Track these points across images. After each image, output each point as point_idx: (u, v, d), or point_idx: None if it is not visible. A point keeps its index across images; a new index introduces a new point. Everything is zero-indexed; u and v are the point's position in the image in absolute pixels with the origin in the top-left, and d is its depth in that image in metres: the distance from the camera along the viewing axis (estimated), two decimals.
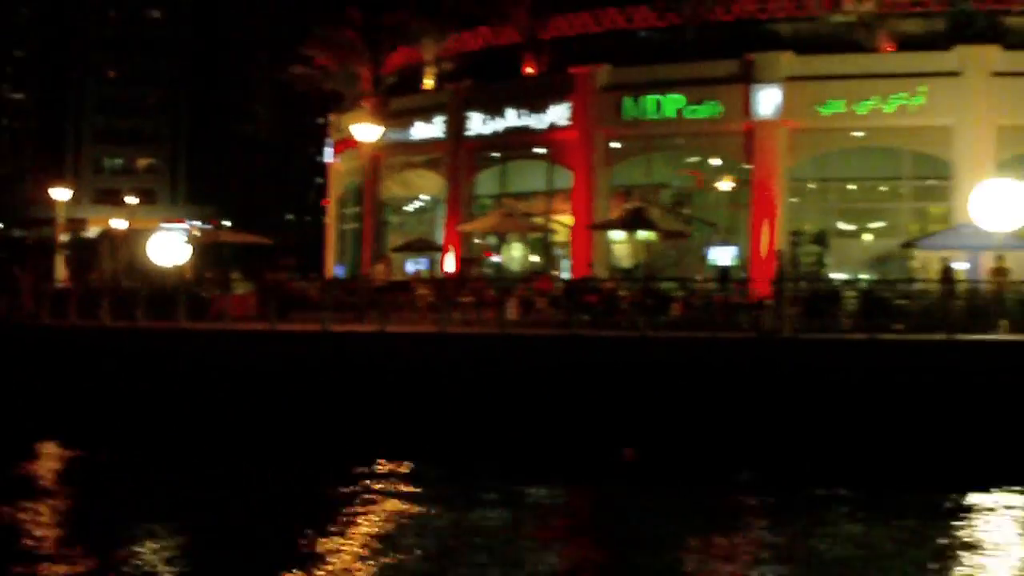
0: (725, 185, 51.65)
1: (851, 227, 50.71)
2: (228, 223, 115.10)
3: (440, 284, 49.82)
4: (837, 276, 47.52)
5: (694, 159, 52.98)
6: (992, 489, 30.22)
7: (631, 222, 45.80)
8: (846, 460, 32.48)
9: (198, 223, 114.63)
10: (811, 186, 50.85)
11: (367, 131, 50.14)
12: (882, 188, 50.21)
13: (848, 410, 33.27)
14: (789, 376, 34.15)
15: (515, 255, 58.32)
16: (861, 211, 50.91)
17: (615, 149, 52.78)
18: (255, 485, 32.07)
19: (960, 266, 43.47)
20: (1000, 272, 39.56)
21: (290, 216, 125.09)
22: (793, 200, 50.37)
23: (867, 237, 50.66)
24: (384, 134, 60.91)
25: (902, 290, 40.81)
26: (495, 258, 58.20)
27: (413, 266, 60.46)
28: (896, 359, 34.06)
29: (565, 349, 37.03)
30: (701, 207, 52.82)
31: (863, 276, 47.44)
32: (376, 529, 26.88)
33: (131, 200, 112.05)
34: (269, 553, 24.86)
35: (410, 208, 63.70)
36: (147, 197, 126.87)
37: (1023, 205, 41.48)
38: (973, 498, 29.47)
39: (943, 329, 34.93)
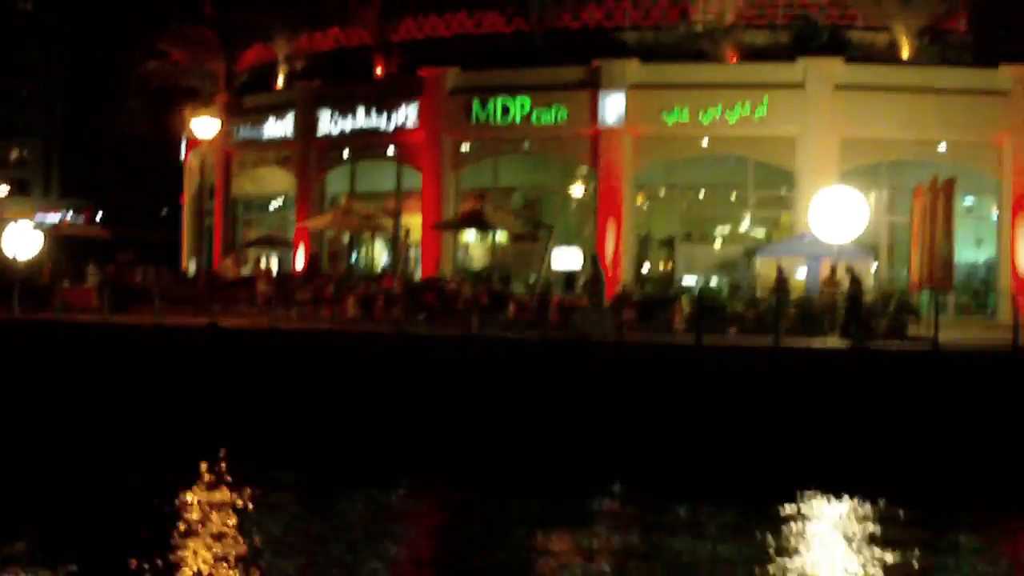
0: (578, 190, 51.68)
1: (698, 233, 50.92)
2: (100, 215, 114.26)
3: (281, 281, 49.52)
4: (688, 282, 48.07)
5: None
6: (809, 493, 30.38)
7: (467, 222, 45.68)
8: (663, 463, 32.56)
9: (70, 215, 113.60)
10: (659, 193, 51.10)
11: (205, 127, 49.59)
12: (728, 196, 50.40)
13: (668, 413, 33.32)
14: (609, 379, 34.18)
15: (374, 254, 58.10)
16: (708, 218, 51.19)
17: (463, 152, 52.52)
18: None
19: (802, 274, 43.97)
20: (832, 282, 39.93)
21: (166, 210, 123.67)
22: (641, 206, 50.55)
23: (714, 244, 50.91)
24: (237, 131, 60.68)
25: (740, 296, 41.13)
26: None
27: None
28: (717, 364, 34.26)
29: (391, 346, 36.98)
30: (552, 211, 52.73)
31: (713, 281, 48.00)
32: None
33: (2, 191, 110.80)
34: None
35: (264, 205, 62.93)
36: (20, 188, 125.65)
37: (860, 215, 42.03)
38: (792, 504, 29.47)
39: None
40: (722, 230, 50.60)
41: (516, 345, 36.18)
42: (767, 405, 33.04)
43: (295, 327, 40.36)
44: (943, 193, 39.62)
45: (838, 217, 41.53)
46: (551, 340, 36.09)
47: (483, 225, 45.78)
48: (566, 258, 49.83)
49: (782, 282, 39.68)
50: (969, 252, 49.48)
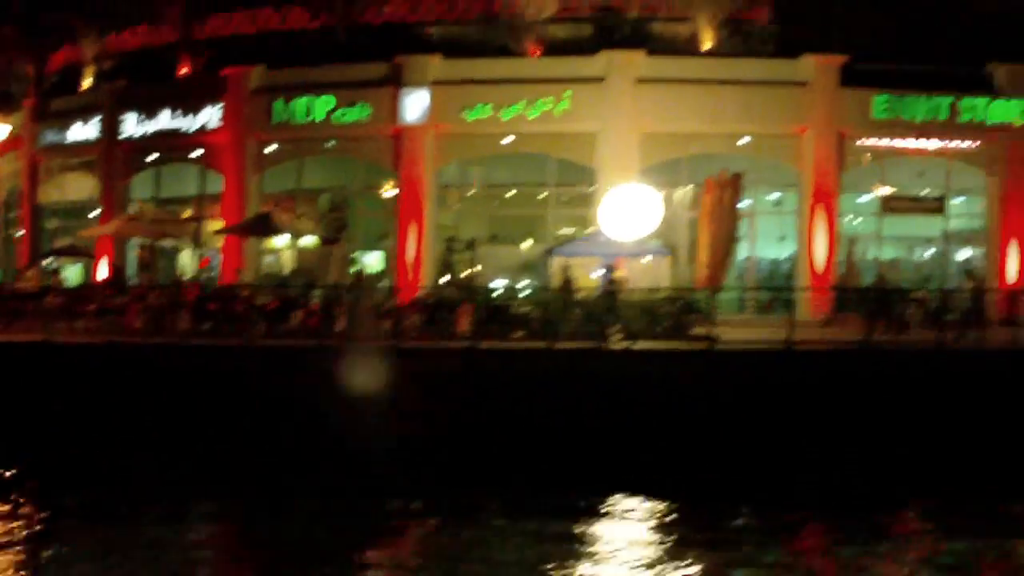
0: (390, 192, 50.49)
1: (503, 234, 49.99)
2: None
3: (77, 292, 47.85)
4: (496, 285, 47.02)
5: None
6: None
7: (254, 228, 44.36)
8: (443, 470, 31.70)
9: None
10: (463, 192, 50.08)
11: None
12: (531, 194, 49.43)
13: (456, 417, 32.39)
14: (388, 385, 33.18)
15: (186, 262, 56.36)
16: (513, 217, 50.25)
17: (267, 153, 51.14)
18: None
19: (598, 273, 43.29)
20: (616, 281, 39.19)
21: None
22: (445, 206, 49.53)
23: (518, 244, 49.98)
24: (44, 136, 58.80)
25: (529, 298, 40.29)
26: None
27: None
28: (496, 365, 33.43)
29: (167, 357, 35.76)
30: (360, 213, 51.48)
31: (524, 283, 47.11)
32: None
33: None
34: None
35: (73, 213, 60.96)
36: None
37: (652, 212, 41.42)
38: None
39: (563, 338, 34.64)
40: (529, 230, 49.57)
41: (288, 353, 35.07)
42: (534, 407, 32.23)
43: (75, 340, 38.83)
44: (730, 187, 39.04)
45: (629, 215, 41.00)
46: (321, 347, 34.96)
47: (272, 230, 44.48)
48: (371, 262, 48.74)
49: (566, 282, 38.83)
50: (773, 248, 49.10)
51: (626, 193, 41.38)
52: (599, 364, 33.96)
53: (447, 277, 47.27)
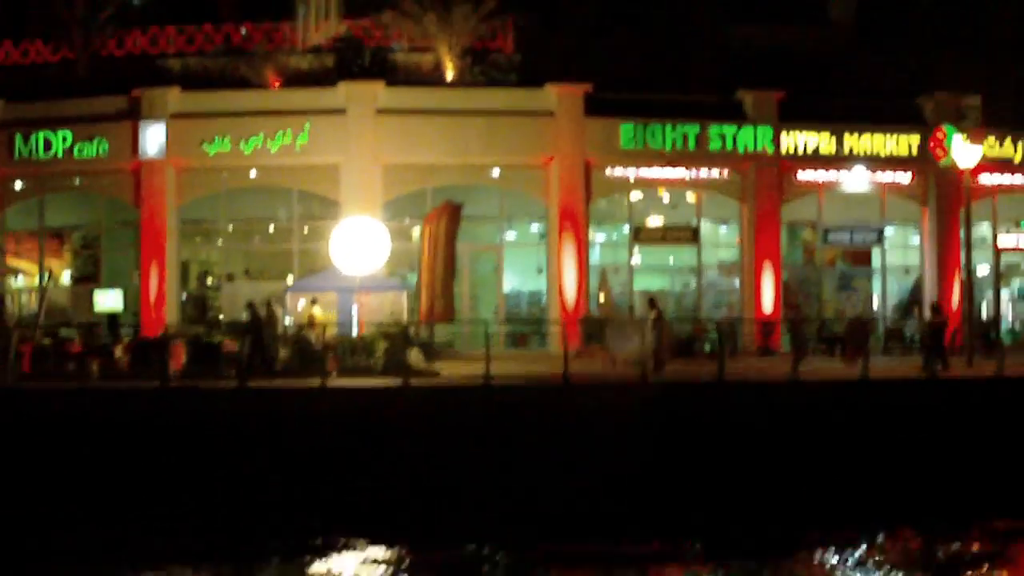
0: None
1: (256, 268, 48.66)
2: None
3: None
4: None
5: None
6: None
7: None
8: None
9: None
10: (206, 227, 48.67)
11: None
12: (282, 228, 48.21)
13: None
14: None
15: None
16: (265, 253, 48.94)
17: (12, 189, 49.32)
18: None
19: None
20: (312, 318, 38.24)
21: None
22: (188, 242, 48.16)
23: (275, 279, 48.58)
24: None
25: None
26: None
27: None
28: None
29: None
30: (112, 249, 49.77)
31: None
32: None
33: None
34: None
35: None
36: None
37: (380, 246, 40.47)
38: None
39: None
40: (282, 265, 48.22)
41: None
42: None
43: None
44: (446, 218, 38.21)
45: (358, 249, 40.00)
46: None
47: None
48: (108, 300, 47.11)
49: (269, 317, 37.65)
50: (533, 280, 48.40)
51: (355, 227, 40.33)
52: (301, 402, 32.79)
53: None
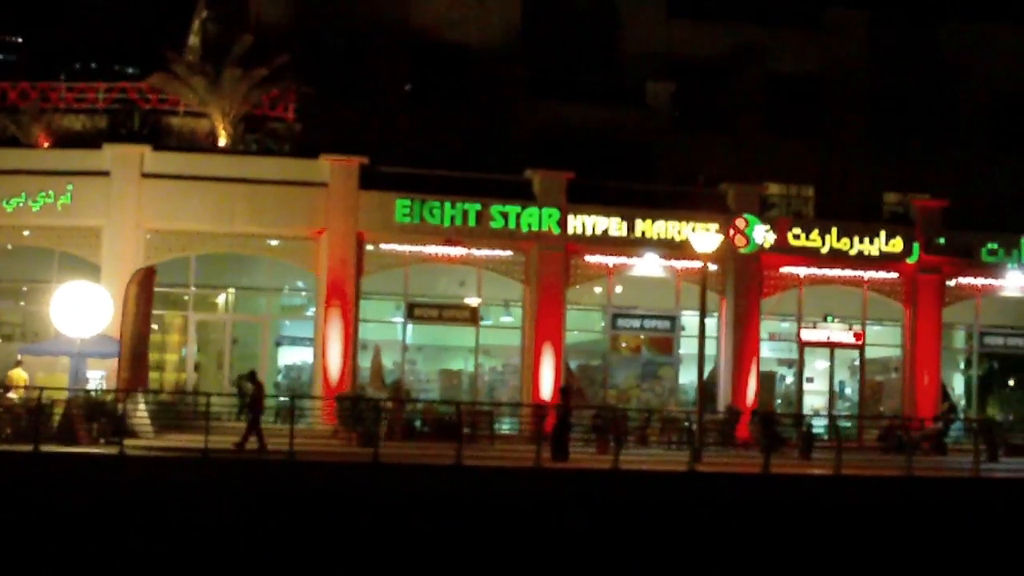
0: None
1: (15, 332, 47.34)
2: None
3: None
4: None
5: None
6: None
7: None
8: None
9: None
10: None
11: None
12: (43, 291, 46.63)
13: None
14: None
15: None
16: (27, 314, 47.32)
17: None
18: None
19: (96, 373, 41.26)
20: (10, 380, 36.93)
21: None
22: None
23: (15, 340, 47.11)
24: None
25: None
26: None
27: None
28: None
29: None
30: None
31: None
32: None
33: None
34: None
35: None
36: None
37: (102, 310, 39.36)
38: None
39: None
40: (40, 328, 46.84)
41: None
42: None
43: None
44: (140, 284, 36.99)
45: (78, 312, 38.88)
46: None
47: None
48: None
49: None
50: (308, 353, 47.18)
51: (75, 290, 39.18)
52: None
53: None
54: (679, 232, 47.61)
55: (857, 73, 58.95)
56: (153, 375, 44.69)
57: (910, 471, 36.61)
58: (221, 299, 47.56)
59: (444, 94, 53.52)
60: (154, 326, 42.89)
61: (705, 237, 41.82)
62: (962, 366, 53.43)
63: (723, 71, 57.49)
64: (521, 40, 54.33)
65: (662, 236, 47.67)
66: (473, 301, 47.52)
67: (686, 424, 44.18)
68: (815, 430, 47.25)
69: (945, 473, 39.49)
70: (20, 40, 55.87)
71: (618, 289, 48.80)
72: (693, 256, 47.81)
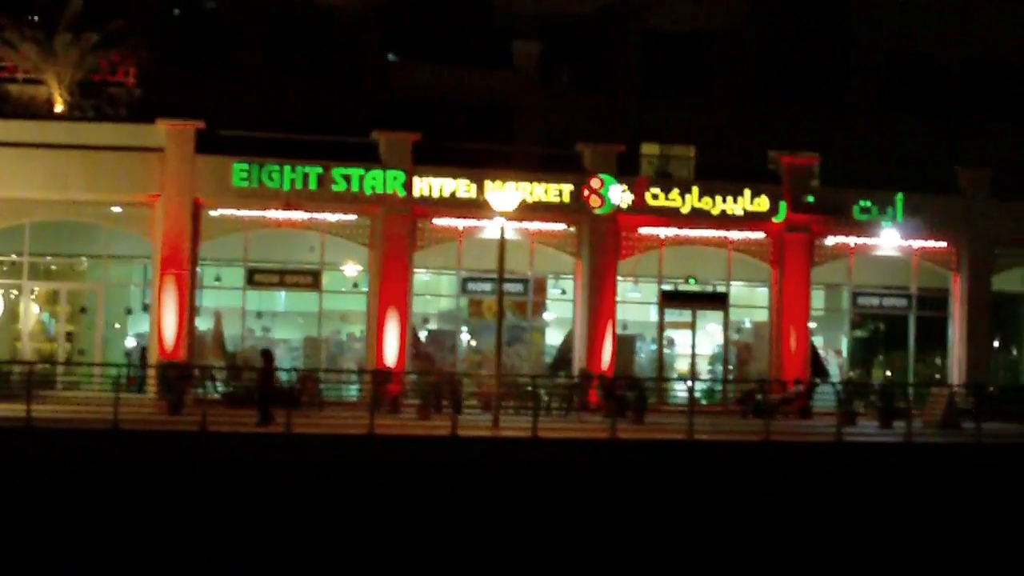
0: None
1: None
2: None
3: None
4: None
5: None
6: None
7: None
8: None
9: None
10: None
11: None
12: None
13: None
14: None
15: None
16: None
17: None
18: None
19: None
20: None
21: None
22: None
23: None
24: None
25: None
26: None
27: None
28: None
29: None
30: None
31: None
32: None
33: None
34: None
35: None
36: None
37: None
38: None
39: None
40: None
41: None
42: None
43: None
44: None
45: None
46: None
47: None
48: None
49: None
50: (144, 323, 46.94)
51: None
52: None
53: None
54: (531, 194, 46.92)
55: (740, 30, 57.93)
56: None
57: (767, 435, 36.57)
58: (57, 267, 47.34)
59: (302, 58, 52.87)
60: None
61: (504, 195, 41.20)
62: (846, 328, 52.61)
63: (600, 30, 56.56)
64: (385, 2, 53.55)
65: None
66: (315, 266, 47.01)
67: (528, 389, 43.66)
68: (679, 393, 46.95)
69: (800, 438, 39.15)
70: None
71: (475, 253, 48.13)
72: (547, 218, 47.62)
